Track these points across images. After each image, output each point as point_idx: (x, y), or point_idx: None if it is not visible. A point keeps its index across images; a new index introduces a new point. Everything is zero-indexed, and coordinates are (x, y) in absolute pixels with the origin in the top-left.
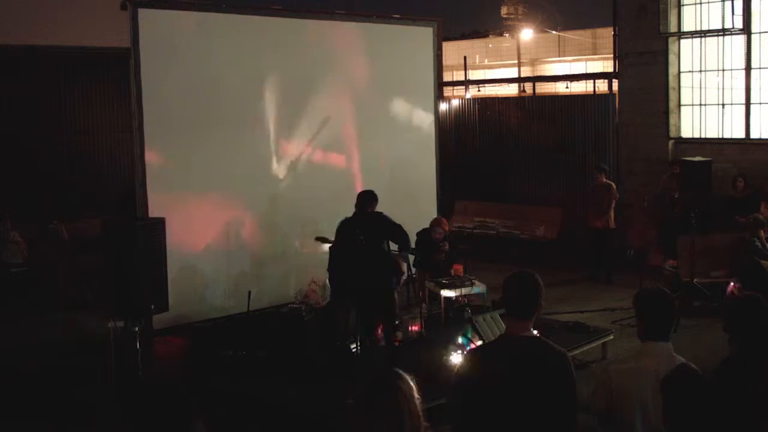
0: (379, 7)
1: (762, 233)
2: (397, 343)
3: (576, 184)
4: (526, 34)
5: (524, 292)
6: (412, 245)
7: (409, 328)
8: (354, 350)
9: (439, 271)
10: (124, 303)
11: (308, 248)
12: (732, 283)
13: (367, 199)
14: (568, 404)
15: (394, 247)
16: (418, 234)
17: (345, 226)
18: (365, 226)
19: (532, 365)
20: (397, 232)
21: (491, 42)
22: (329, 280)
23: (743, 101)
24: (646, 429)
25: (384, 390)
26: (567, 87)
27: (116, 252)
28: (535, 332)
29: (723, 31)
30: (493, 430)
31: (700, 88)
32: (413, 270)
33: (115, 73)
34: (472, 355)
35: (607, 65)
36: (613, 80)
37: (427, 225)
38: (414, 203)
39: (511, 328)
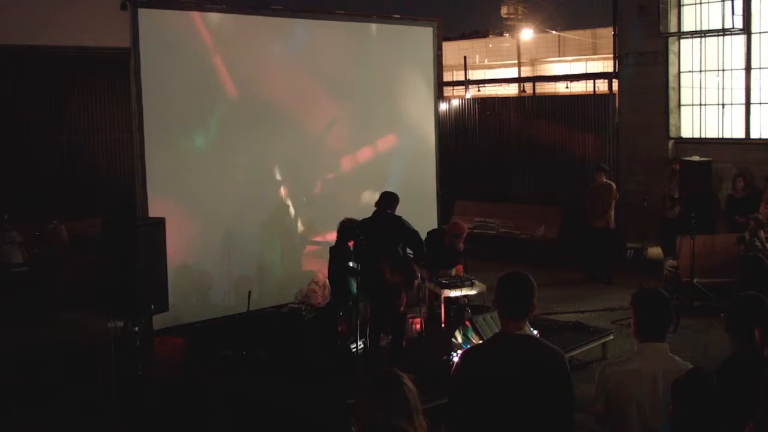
0: (379, 7)
1: (762, 233)
2: (383, 345)
3: (576, 184)
4: (526, 34)
5: (518, 292)
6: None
7: (409, 328)
8: (354, 350)
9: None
10: (124, 303)
11: (308, 248)
12: None
13: (388, 199)
14: (565, 403)
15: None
16: (429, 233)
17: (362, 226)
18: (382, 228)
19: (527, 364)
20: (412, 238)
21: (491, 42)
22: (329, 280)
23: (743, 101)
24: (643, 429)
25: (392, 384)
26: (567, 87)
27: (116, 252)
28: (534, 332)
29: (723, 31)
30: (489, 430)
31: (700, 88)
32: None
33: (115, 73)
34: (468, 355)
35: (607, 65)
36: (613, 80)
37: (426, 224)
38: (414, 203)
39: (506, 327)
